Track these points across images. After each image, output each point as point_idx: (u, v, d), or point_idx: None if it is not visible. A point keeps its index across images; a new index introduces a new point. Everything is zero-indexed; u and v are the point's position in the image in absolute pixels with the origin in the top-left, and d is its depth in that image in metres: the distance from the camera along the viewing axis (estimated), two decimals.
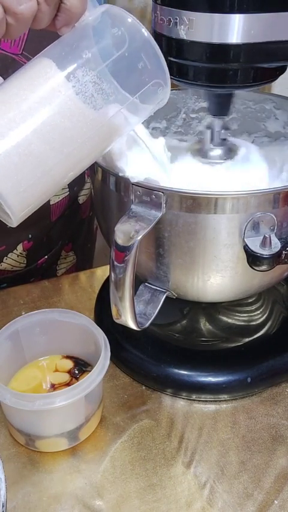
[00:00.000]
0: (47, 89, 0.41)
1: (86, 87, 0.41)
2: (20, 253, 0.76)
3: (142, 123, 0.48)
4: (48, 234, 0.80)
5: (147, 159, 0.49)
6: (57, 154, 0.42)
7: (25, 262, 0.78)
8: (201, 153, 0.59)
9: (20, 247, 0.76)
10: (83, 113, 0.42)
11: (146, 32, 0.42)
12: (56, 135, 0.41)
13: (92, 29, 0.43)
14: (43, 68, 0.42)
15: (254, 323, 0.64)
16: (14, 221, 0.44)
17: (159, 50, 0.43)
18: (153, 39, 0.43)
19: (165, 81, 0.44)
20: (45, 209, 0.76)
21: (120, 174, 0.49)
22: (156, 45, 0.43)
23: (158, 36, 0.50)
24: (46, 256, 0.81)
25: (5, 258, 0.76)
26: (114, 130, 0.45)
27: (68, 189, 0.79)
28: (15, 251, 0.76)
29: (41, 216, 0.76)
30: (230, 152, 0.58)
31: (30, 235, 0.76)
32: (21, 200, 0.42)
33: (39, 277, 0.81)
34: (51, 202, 0.76)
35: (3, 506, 0.41)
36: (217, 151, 0.58)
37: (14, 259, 0.76)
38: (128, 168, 0.48)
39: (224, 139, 0.58)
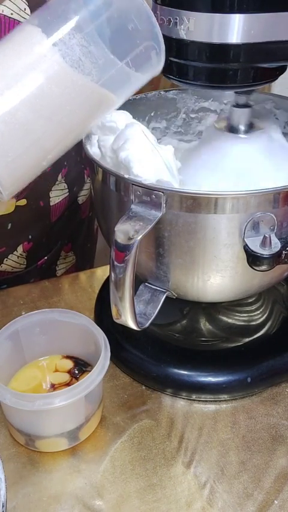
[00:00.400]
0: (33, 54, 0.39)
1: (73, 50, 0.39)
2: (20, 254, 0.76)
3: (142, 123, 0.48)
4: (48, 234, 0.80)
5: (159, 164, 0.49)
6: (45, 122, 0.40)
7: (25, 263, 0.78)
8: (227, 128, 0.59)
9: (20, 249, 0.76)
10: (71, 78, 0.40)
11: (143, 3, 0.40)
12: (43, 102, 0.39)
13: None
14: (28, 34, 0.40)
15: (254, 323, 0.64)
16: (4, 194, 0.42)
17: (151, 11, 0.40)
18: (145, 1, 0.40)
19: (159, 43, 0.42)
20: (45, 210, 0.76)
21: (132, 177, 0.48)
22: (148, 7, 0.40)
23: None
24: (46, 257, 0.81)
25: (5, 259, 0.76)
26: (105, 97, 0.42)
27: (67, 190, 0.79)
28: (15, 252, 0.76)
29: (41, 216, 0.76)
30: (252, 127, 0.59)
31: (30, 236, 0.76)
32: (10, 172, 0.40)
33: (39, 278, 0.81)
34: (51, 203, 0.76)
35: (3, 506, 0.41)
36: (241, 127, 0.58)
37: (14, 260, 0.76)
38: (142, 171, 0.48)
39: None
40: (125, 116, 0.54)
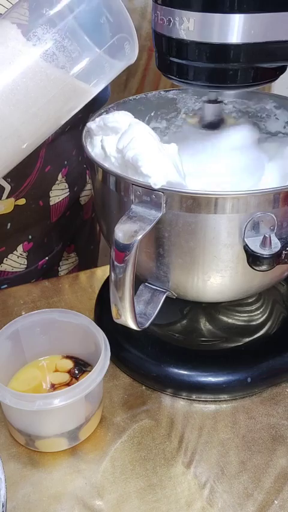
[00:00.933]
0: (8, 49, 0.40)
1: (47, 44, 0.40)
2: (20, 254, 0.76)
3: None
4: (49, 234, 0.80)
5: (167, 164, 0.49)
6: (22, 115, 0.41)
7: (25, 263, 0.78)
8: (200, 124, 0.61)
9: (20, 248, 0.76)
10: (45, 71, 0.41)
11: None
12: (20, 96, 0.40)
13: None
14: (3, 29, 0.41)
15: (254, 323, 0.64)
16: None
17: (122, 3, 0.41)
18: (122, 4, 0.42)
19: (131, 35, 0.43)
20: (45, 209, 0.76)
21: (143, 181, 0.48)
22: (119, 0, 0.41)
23: (158, 36, 0.50)
24: (47, 258, 0.81)
25: (5, 259, 0.75)
26: (80, 89, 0.44)
27: (68, 190, 0.78)
28: (15, 252, 0.76)
29: (41, 216, 0.76)
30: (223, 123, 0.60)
31: (30, 236, 0.76)
32: None
33: (41, 279, 0.81)
34: (51, 203, 0.76)
35: (3, 506, 0.41)
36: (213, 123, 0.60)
37: (14, 260, 0.76)
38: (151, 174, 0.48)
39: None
40: (128, 117, 0.54)
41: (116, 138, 0.53)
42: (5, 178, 0.68)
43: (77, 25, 0.41)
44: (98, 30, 0.42)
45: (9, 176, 0.68)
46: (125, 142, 0.50)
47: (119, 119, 0.53)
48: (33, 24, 0.41)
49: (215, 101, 0.59)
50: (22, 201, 0.72)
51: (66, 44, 0.41)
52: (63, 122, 0.46)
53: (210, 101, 0.58)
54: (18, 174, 0.69)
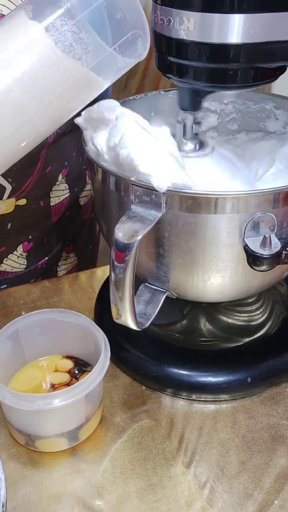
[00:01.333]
0: (27, 38, 0.41)
1: (65, 36, 0.42)
2: (20, 254, 0.76)
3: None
4: (49, 235, 0.80)
5: (167, 162, 0.48)
6: (37, 104, 0.42)
7: (25, 263, 0.78)
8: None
9: (20, 249, 0.76)
10: (62, 62, 0.42)
11: None
12: (36, 84, 0.42)
13: None
14: (22, 19, 0.42)
15: (254, 323, 0.64)
16: None
17: (138, 1, 0.43)
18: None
19: (144, 32, 0.44)
20: (45, 210, 0.76)
21: (148, 183, 0.47)
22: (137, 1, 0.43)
23: (158, 36, 0.50)
24: (46, 258, 0.81)
25: (5, 259, 0.75)
26: (94, 81, 0.45)
27: (68, 190, 0.79)
28: (15, 252, 0.76)
29: (41, 216, 0.76)
30: (202, 146, 0.59)
31: (30, 236, 0.76)
32: (2, 149, 0.43)
33: (40, 279, 0.81)
34: (52, 203, 0.76)
35: (3, 506, 0.41)
36: (189, 145, 0.58)
37: (14, 260, 0.76)
38: (153, 175, 0.47)
39: (196, 134, 0.58)
40: (112, 104, 0.52)
41: (105, 132, 0.52)
42: (6, 178, 0.68)
43: (94, 19, 0.42)
44: (114, 25, 0.44)
45: (10, 176, 0.68)
46: (115, 139, 0.49)
47: (103, 109, 0.52)
48: (51, 15, 0.42)
49: (196, 122, 0.58)
50: (23, 202, 0.72)
51: (83, 36, 0.42)
52: (74, 113, 0.47)
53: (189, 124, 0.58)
54: (19, 174, 0.69)
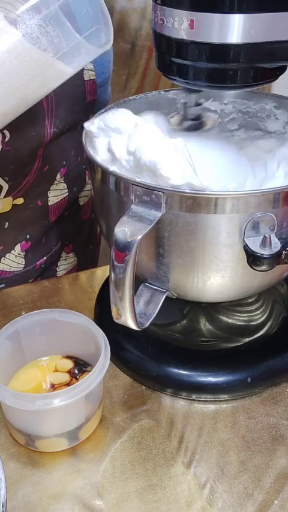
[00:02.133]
0: None
1: (32, 29, 0.45)
2: (18, 253, 0.76)
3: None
4: (47, 234, 0.80)
5: (183, 162, 0.50)
6: (4, 89, 0.46)
7: (23, 263, 0.78)
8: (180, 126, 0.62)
9: (17, 248, 0.76)
10: (29, 52, 0.45)
11: None
12: (4, 72, 0.45)
13: None
14: None
15: (254, 323, 0.64)
16: None
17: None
18: None
19: (107, 24, 0.48)
20: (43, 209, 0.76)
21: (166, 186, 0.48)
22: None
23: (158, 36, 0.50)
24: (45, 258, 0.81)
25: (3, 258, 0.75)
26: (59, 70, 0.48)
27: (67, 190, 0.78)
28: (13, 251, 0.76)
29: (39, 216, 0.76)
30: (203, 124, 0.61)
31: (28, 236, 0.76)
32: None
33: (39, 279, 0.81)
34: (50, 203, 0.76)
35: (3, 506, 0.41)
36: (193, 123, 0.60)
37: (12, 259, 0.76)
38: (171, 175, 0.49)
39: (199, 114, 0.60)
40: (129, 116, 0.54)
41: (122, 138, 0.53)
42: (2, 177, 0.68)
43: (61, 13, 0.46)
44: (79, 19, 0.47)
45: (6, 175, 0.68)
46: (136, 145, 0.50)
47: (120, 119, 0.53)
48: (19, 9, 0.45)
49: (197, 104, 0.60)
50: (20, 201, 0.72)
51: (49, 30, 0.46)
52: (40, 98, 0.51)
53: (191, 105, 0.59)
54: (16, 173, 0.69)
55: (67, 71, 0.49)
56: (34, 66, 0.46)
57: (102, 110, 0.61)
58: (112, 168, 0.52)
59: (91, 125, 0.55)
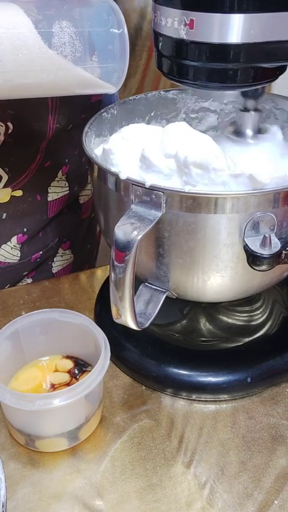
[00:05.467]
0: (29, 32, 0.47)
1: (63, 33, 0.48)
2: (14, 245, 0.77)
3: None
4: (45, 229, 0.80)
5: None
6: (18, 66, 0.48)
7: (19, 255, 0.78)
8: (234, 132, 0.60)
9: (14, 240, 0.76)
10: (51, 56, 0.48)
11: (125, 30, 0.50)
12: (24, 51, 0.47)
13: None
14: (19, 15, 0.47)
15: (254, 323, 0.64)
16: None
17: (128, 47, 0.49)
18: (127, 36, 0.50)
19: (123, 71, 0.51)
20: (42, 204, 0.76)
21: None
22: (127, 41, 0.50)
23: (157, 36, 0.50)
24: (41, 252, 0.81)
25: None
26: (69, 74, 0.50)
27: (68, 188, 0.79)
28: (8, 243, 0.76)
29: (37, 210, 0.77)
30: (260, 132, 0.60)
31: (25, 229, 0.76)
32: None
33: (34, 272, 0.81)
34: (49, 199, 0.77)
35: (3, 506, 0.41)
36: (249, 132, 0.59)
37: (8, 251, 0.76)
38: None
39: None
40: (140, 127, 0.56)
41: (153, 145, 0.52)
42: (2, 167, 0.69)
43: (88, 36, 0.49)
44: (102, 50, 0.50)
45: (7, 166, 0.69)
46: (177, 147, 0.50)
47: (130, 130, 0.55)
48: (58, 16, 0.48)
49: (253, 110, 0.58)
50: (19, 193, 0.73)
51: (76, 44, 0.48)
52: (45, 93, 0.53)
53: (246, 109, 0.58)
54: (16, 165, 0.70)
55: (72, 90, 0.52)
56: (47, 60, 0.48)
57: (102, 110, 0.61)
58: (148, 176, 0.52)
59: (107, 144, 0.55)
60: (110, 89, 0.52)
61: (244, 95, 0.56)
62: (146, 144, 0.53)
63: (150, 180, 0.51)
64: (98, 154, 0.56)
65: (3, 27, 0.46)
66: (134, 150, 0.54)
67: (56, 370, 0.58)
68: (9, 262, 0.77)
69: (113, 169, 0.52)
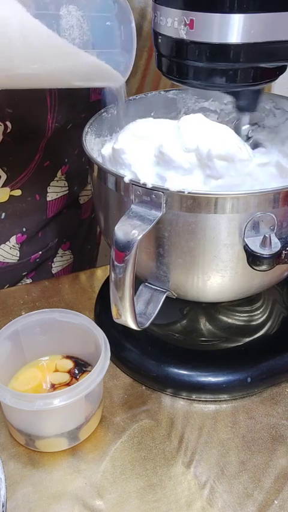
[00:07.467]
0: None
1: (70, 16, 0.47)
2: (13, 245, 0.76)
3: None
4: (44, 229, 0.80)
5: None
6: (26, 48, 0.47)
7: (18, 255, 0.78)
8: None
9: (13, 240, 0.76)
10: (55, 37, 0.47)
11: (132, 23, 0.49)
12: (35, 35, 0.46)
13: None
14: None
15: (254, 323, 0.64)
16: None
17: (135, 38, 0.49)
18: (135, 29, 0.49)
19: (129, 62, 0.50)
20: (41, 204, 0.76)
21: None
22: (135, 31, 0.49)
23: (157, 36, 0.50)
24: (40, 252, 0.81)
25: None
26: (70, 56, 0.49)
27: (67, 188, 0.79)
28: (8, 243, 0.76)
29: (37, 210, 0.76)
30: (256, 147, 0.59)
31: (24, 229, 0.76)
32: None
33: (33, 273, 0.81)
34: (48, 199, 0.77)
35: (3, 506, 0.41)
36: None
37: (7, 251, 0.76)
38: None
39: (250, 137, 0.58)
40: (149, 122, 0.54)
41: (171, 139, 0.51)
42: (1, 167, 0.69)
43: (96, 20, 0.49)
44: (110, 37, 0.50)
45: (5, 165, 0.69)
46: (197, 141, 0.49)
47: (141, 126, 0.53)
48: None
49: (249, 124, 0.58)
50: (18, 192, 0.73)
51: (84, 27, 0.48)
52: (52, 80, 0.52)
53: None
54: (15, 165, 0.69)
55: (77, 83, 0.51)
56: (55, 46, 0.48)
57: (102, 110, 0.61)
58: (167, 173, 0.51)
59: (118, 144, 0.53)
60: (117, 78, 0.51)
61: (240, 109, 0.55)
62: (162, 140, 0.51)
63: (170, 177, 0.50)
64: (106, 154, 0.56)
65: (11, 13, 0.45)
66: (146, 147, 0.52)
67: (56, 370, 0.58)
68: (8, 263, 0.77)
69: (126, 170, 0.52)
